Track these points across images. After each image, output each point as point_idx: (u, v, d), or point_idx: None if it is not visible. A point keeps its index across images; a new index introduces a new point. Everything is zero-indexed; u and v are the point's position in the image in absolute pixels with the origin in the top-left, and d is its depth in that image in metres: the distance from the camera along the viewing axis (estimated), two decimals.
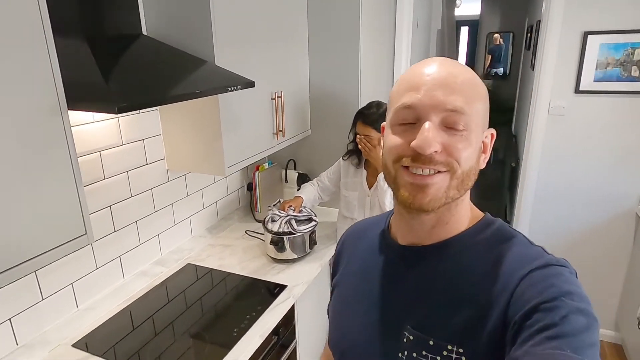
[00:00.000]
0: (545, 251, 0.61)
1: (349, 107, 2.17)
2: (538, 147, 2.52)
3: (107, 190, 1.52)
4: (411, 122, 0.60)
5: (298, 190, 2.30)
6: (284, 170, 2.40)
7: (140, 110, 1.61)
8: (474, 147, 0.61)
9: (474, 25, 7.14)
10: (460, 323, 0.59)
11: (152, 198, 1.72)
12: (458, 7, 5.78)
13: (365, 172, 1.86)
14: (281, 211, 1.88)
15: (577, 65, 2.32)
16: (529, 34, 4.44)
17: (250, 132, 1.77)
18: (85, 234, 1.10)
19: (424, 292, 0.65)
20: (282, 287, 1.69)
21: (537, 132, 2.49)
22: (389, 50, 2.53)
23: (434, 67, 0.61)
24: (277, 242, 1.81)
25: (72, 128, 1.33)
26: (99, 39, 1.19)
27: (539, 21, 2.88)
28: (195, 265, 1.87)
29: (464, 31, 8.25)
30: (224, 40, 1.52)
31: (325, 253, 1.95)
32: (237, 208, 2.32)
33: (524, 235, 0.65)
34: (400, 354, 0.63)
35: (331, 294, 0.83)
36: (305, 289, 1.72)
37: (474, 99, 0.60)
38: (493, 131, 0.67)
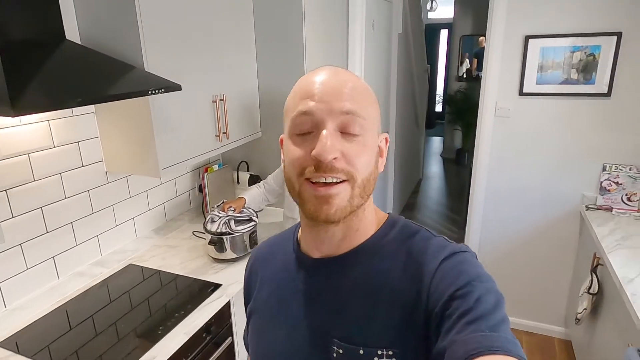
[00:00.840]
0: (447, 240, 0.65)
1: None
2: (486, 148, 2.58)
3: (37, 191, 1.54)
4: (309, 130, 0.60)
5: None
6: (236, 172, 2.44)
7: (74, 113, 1.65)
8: (370, 152, 0.62)
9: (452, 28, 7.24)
10: (385, 326, 0.60)
11: (89, 199, 1.75)
12: (434, 10, 5.86)
13: None
14: (221, 212, 1.92)
15: (520, 68, 2.38)
16: None
17: (187, 134, 1.80)
18: None
19: (344, 302, 0.64)
20: (216, 286, 1.72)
21: (485, 133, 2.55)
22: (343, 54, 2.58)
23: (324, 75, 0.62)
24: (216, 242, 1.85)
25: None
26: (12, 44, 1.22)
27: None
28: (137, 265, 1.90)
29: (444, 34, 8.38)
30: (154, 45, 1.56)
31: None
32: (188, 209, 2.36)
33: (426, 229, 0.68)
34: None
35: (247, 324, 0.81)
36: (242, 287, 1.75)
37: (365, 103, 0.62)
38: (387, 135, 0.68)
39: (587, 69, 2.28)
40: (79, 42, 1.57)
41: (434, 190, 5.48)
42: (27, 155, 1.49)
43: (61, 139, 1.61)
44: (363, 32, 2.61)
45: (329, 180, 0.59)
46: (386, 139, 0.68)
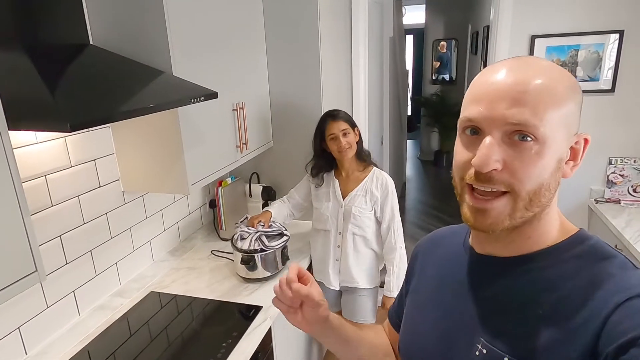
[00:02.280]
0: None
1: (312, 116, 2.11)
2: None
3: (55, 218, 1.35)
4: (476, 131, 0.58)
5: (263, 204, 2.22)
6: (248, 185, 2.30)
7: (90, 128, 1.47)
8: (548, 159, 0.55)
9: (418, 33, 7.40)
10: (540, 344, 0.54)
11: (107, 223, 1.57)
12: (403, 15, 5.96)
13: (336, 181, 1.80)
14: (250, 227, 1.78)
15: None
16: (474, 40, 4.63)
17: (213, 146, 1.67)
18: (36, 271, 0.96)
19: (501, 305, 0.61)
20: (257, 309, 1.59)
21: None
22: (347, 57, 2.51)
23: (502, 74, 0.56)
24: (249, 260, 1.71)
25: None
26: (40, 49, 1.05)
27: (487, 27, 2.99)
28: (159, 292, 1.72)
29: (409, 39, 8.56)
30: (181, 49, 1.42)
31: None
32: (199, 227, 2.19)
33: (626, 257, 0.59)
34: None
35: (399, 302, 0.85)
36: None
37: (547, 106, 0.54)
38: (586, 136, 0.60)
39: (591, 66, 2.34)
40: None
41: (420, 192, 5.51)
42: (44, 177, 1.31)
43: (78, 158, 1.43)
44: (366, 35, 2.56)
45: (487, 189, 0.56)
46: (585, 139, 0.60)
